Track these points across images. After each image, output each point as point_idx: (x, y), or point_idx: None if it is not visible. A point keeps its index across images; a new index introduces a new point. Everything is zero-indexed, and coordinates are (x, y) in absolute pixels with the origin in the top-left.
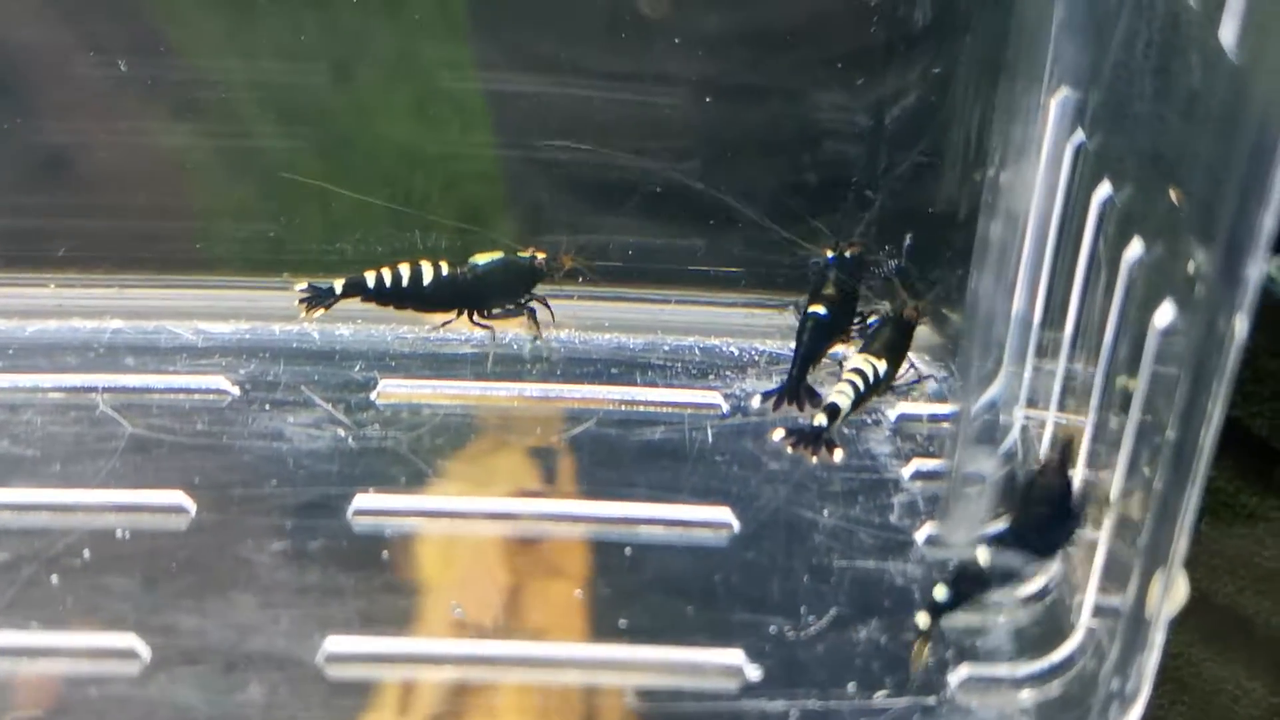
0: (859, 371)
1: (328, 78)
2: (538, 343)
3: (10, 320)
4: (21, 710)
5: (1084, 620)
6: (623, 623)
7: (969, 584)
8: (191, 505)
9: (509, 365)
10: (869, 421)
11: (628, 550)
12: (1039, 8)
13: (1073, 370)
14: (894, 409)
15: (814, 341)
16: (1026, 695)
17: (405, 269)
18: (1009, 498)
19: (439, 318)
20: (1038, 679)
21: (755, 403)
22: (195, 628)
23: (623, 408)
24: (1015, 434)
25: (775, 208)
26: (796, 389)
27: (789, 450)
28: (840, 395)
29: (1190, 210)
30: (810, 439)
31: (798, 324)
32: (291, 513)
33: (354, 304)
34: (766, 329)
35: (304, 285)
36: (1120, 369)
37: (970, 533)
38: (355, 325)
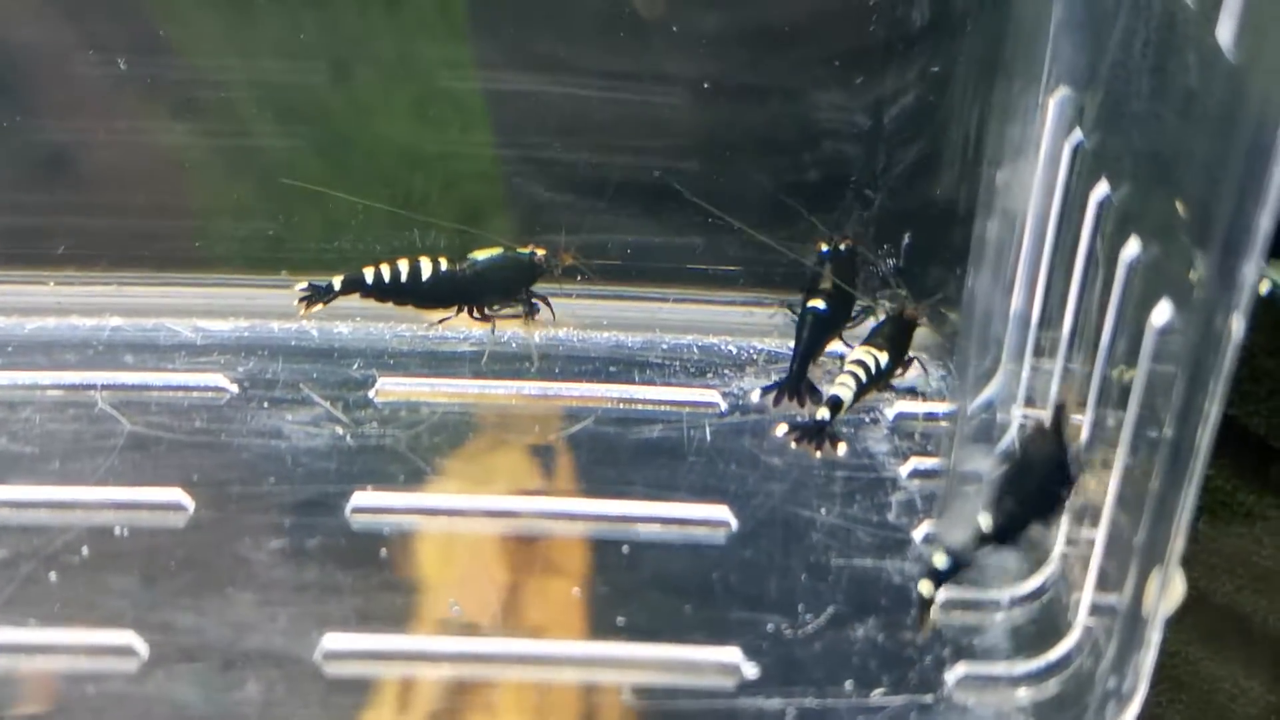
0: (860, 363)
1: (326, 77)
2: (534, 340)
3: (9, 318)
4: (20, 707)
5: (1081, 619)
6: (620, 620)
7: (969, 550)
8: (190, 503)
9: (507, 363)
10: (867, 420)
11: (625, 548)
12: (1037, 7)
13: (1070, 369)
14: (892, 408)
15: (813, 336)
16: (1023, 694)
17: (404, 265)
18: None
19: (438, 314)
20: (1035, 677)
21: (755, 397)
22: (193, 625)
23: (621, 406)
24: (1013, 433)
25: (773, 206)
26: (797, 384)
27: (792, 445)
28: (842, 387)
29: (1188, 210)
30: (813, 433)
31: (796, 319)
32: (290, 510)
33: (353, 301)
34: (765, 327)
35: (304, 285)
36: (1117, 368)
37: (967, 532)
38: (354, 323)
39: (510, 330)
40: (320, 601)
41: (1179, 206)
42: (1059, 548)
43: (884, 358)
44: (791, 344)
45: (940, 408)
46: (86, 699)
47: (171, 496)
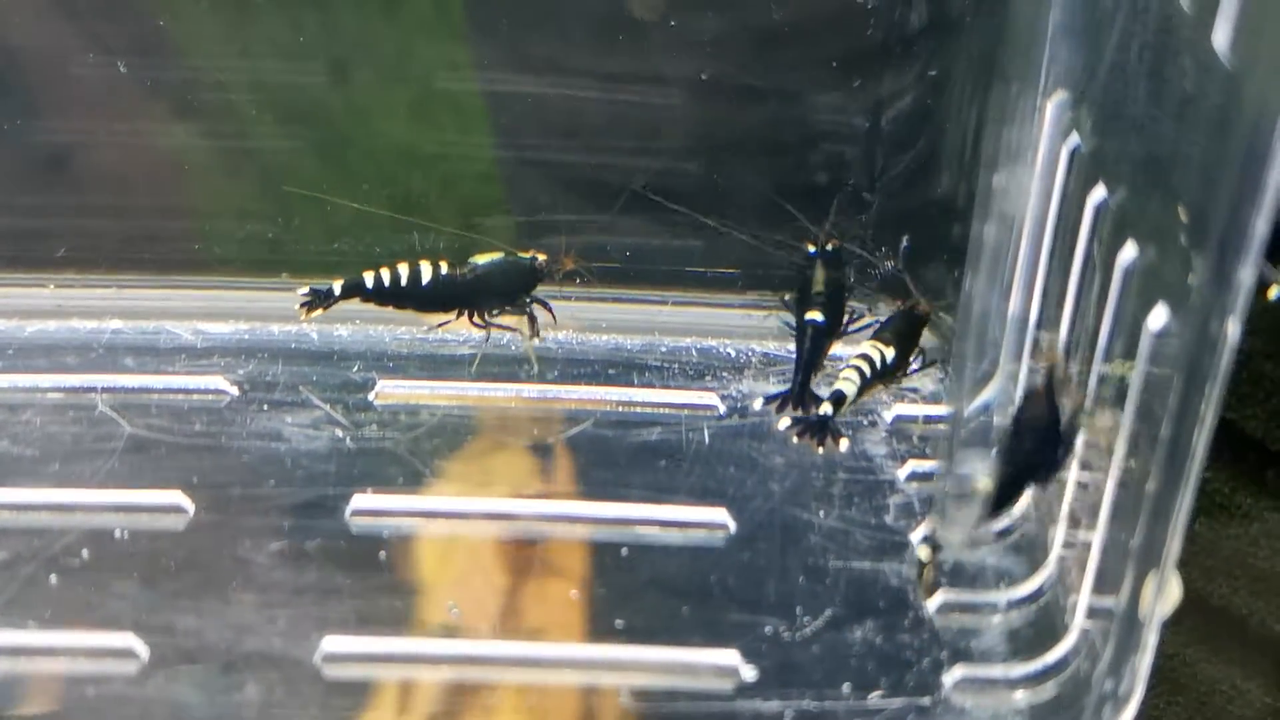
0: (865, 358)
1: (326, 77)
2: (534, 342)
3: (10, 320)
4: (20, 709)
5: (1078, 621)
6: (619, 623)
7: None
8: (190, 505)
9: (506, 366)
10: (865, 423)
11: (624, 551)
12: (1034, 10)
13: (1069, 372)
14: (890, 410)
15: (814, 347)
16: (1021, 696)
17: (404, 269)
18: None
19: (439, 318)
20: (1032, 680)
21: (758, 405)
22: (193, 627)
23: (620, 409)
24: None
25: (770, 209)
26: (802, 395)
27: (795, 440)
28: (846, 382)
29: (1188, 215)
30: (816, 429)
31: (795, 328)
32: (289, 513)
33: (353, 304)
34: (763, 330)
35: (305, 290)
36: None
37: (965, 534)
38: (353, 326)
39: (509, 334)
40: (320, 604)
41: (1180, 212)
42: (1056, 550)
43: (890, 353)
44: (790, 346)
45: (939, 410)
46: (86, 701)
47: (171, 499)
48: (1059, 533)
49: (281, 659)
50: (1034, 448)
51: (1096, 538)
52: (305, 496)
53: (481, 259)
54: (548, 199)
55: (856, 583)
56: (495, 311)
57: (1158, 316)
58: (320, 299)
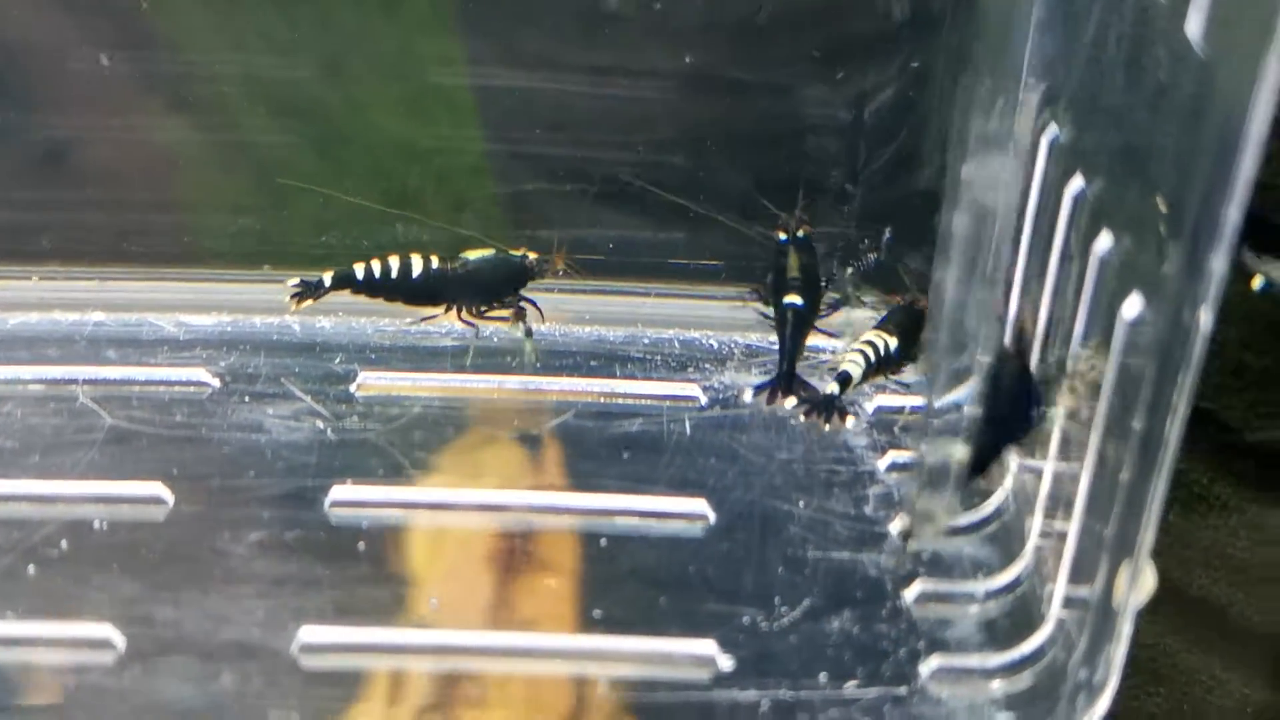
0: (871, 344)
1: (316, 71)
2: (527, 336)
3: None
4: None
5: (1054, 611)
6: (598, 613)
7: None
8: (170, 496)
9: (489, 358)
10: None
11: (604, 541)
12: (1008, 1)
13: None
14: (871, 401)
15: (795, 332)
16: (997, 686)
17: (394, 261)
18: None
19: (427, 311)
20: (1008, 670)
21: (748, 397)
22: (171, 618)
23: (602, 400)
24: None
25: (753, 202)
26: (789, 382)
27: (801, 419)
28: (852, 364)
29: (1167, 206)
30: (822, 407)
31: (775, 318)
32: (269, 504)
33: (336, 296)
34: (746, 322)
35: (295, 280)
36: (1091, 360)
37: (947, 504)
38: (336, 318)
39: (492, 326)
40: (298, 595)
41: (1159, 203)
42: (1033, 540)
43: (894, 343)
44: (771, 338)
45: (918, 400)
46: (63, 692)
47: (151, 490)
48: (1036, 523)
49: (259, 649)
50: (1008, 408)
51: (1072, 528)
52: (285, 488)
53: (473, 254)
54: (533, 191)
55: (835, 573)
56: (484, 307)
57: (1132, 305)
58: (310, 290)
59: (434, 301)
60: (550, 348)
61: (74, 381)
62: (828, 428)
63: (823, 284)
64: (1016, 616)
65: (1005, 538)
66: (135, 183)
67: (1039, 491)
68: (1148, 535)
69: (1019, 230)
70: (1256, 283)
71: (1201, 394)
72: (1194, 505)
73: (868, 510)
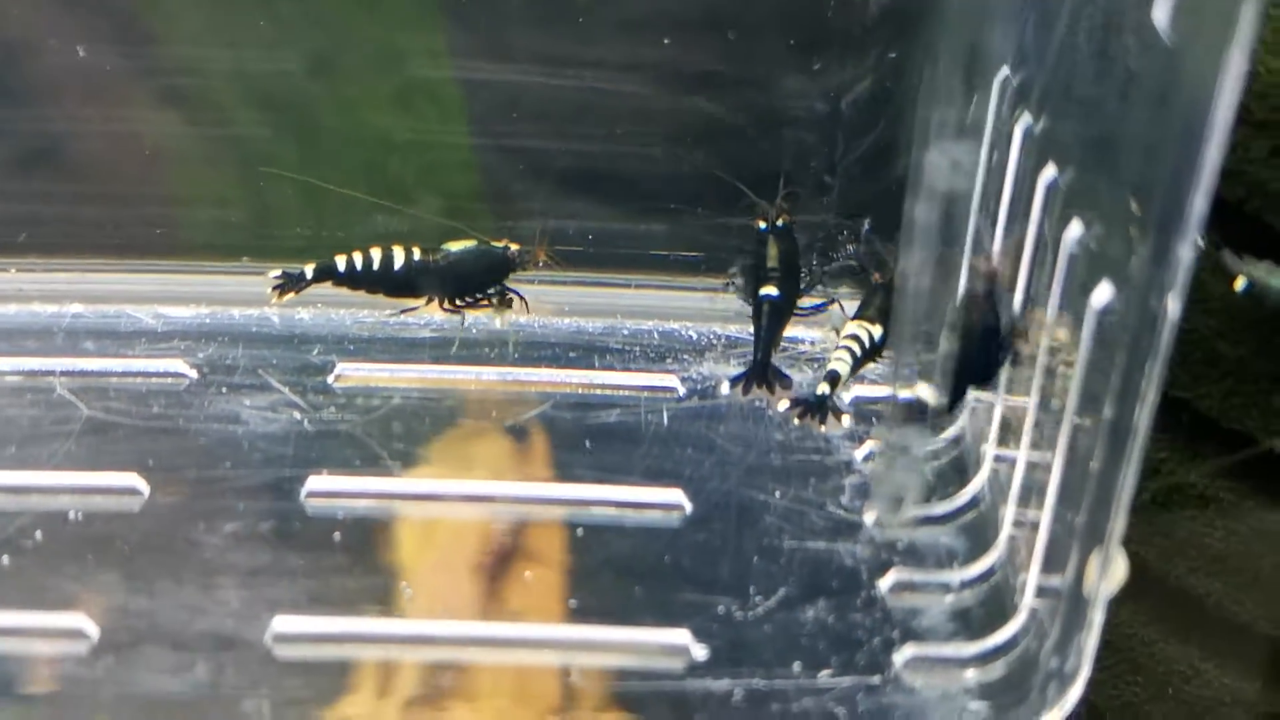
0: (855, 338)
1: (301, 65)
2: (508, 328)
3: None
4: None
5: (1027, 601)
6: (573, 603)
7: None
8: (145, 487)
9: (467, 349)
10: None
11: (580, 531)
12: None
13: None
14: (849, 391)
15: (772, 323)
16: (970, 675)
17: (376, 253)
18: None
19: (410, 303)
20: (981, 659)
21: (725, 389)
22: (145, 608)
23: (580, 391)
24: (964, 416)
25: (731, 192)
26: (764, 372)
27: (796, 421)
28: (839, 362)
29: (1127, 191)
30: (815, 408)
31: (752, 308)
32: (245, 495)
33: (314, 287)
34: (725, 313)
35: (277, 272)
36: (1061, 350)
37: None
38: (315, 309)
39: (472, 316)
40: (272, 585)
41: (1133, 204)
42: (1006, 530)
43: (877, 331)
44: (751, 330)
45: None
46: (37, 682)
47: (127, 481)
48: (1009, 513)
49: (232, 639)
50: (975, 349)
51: (1044, 517)
52: (261, 478)
53: (455, 246)
54: (518, 184)
55: (810, 563)
56: (467, 299)
57: (1101, 294)
58: (292, 282)
59: (416, 293)
60: (529, 339)
61: (51, 373)
62: (823, 429)
63: (803, 273)
64: (990, 606)
65: (980, 528)
66: (114, 175)
67: (1012, 481)
68: (1118, 524)
69: (995, 219)
70: (1239, 284)
71: (1177, 383)
72: (1170, 495)
73: (844, 500)
